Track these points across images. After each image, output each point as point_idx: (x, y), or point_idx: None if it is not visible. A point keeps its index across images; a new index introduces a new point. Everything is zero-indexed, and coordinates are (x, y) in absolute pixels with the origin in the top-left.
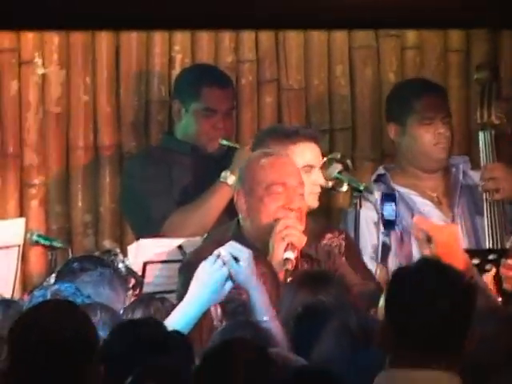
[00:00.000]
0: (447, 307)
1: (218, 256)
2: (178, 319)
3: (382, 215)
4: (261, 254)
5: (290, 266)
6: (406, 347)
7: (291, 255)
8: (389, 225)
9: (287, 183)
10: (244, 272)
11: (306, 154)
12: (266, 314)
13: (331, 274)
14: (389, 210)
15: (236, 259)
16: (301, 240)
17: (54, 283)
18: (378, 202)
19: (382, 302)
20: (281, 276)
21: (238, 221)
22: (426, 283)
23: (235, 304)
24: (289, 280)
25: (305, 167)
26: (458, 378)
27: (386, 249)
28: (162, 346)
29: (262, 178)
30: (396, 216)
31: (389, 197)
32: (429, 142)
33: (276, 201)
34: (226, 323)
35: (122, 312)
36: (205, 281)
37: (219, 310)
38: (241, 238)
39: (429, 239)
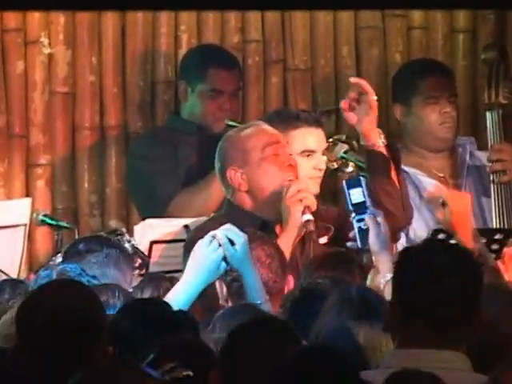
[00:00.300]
0: (456, 286)
1: (214, 237)
2: (174, 299)
3: (350, 201)
4: (267, 237)
5: (312, 227)
6: (415, 327)
7: (310, 217)
8: (359, 207)
9: (280, 142)
10: (239, 256)
11: (307, 138)
12: (259, 297)
13: (348, 255)
14: (355, 194)
15: (232, 242)
16: (314, 202)
17: (60, 263)
18: (344, 190)
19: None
20: (301, 238)
21: (229, 200)
22: (433, 262)
23: (239, 284)
24: (315, 240)
25: (305, 152)
26: (466, 357)
27: (364, 233)
28: (169, 325)
29: (254, 143)
30: (364, 198)
31: (353, 182)
32: (435, 121)
33: (274, 162)
34: (225, 308)
35: (131, 291)
36: (200, 261)
37: (225, 290)
38: (242, 212)
39: (444, 204)
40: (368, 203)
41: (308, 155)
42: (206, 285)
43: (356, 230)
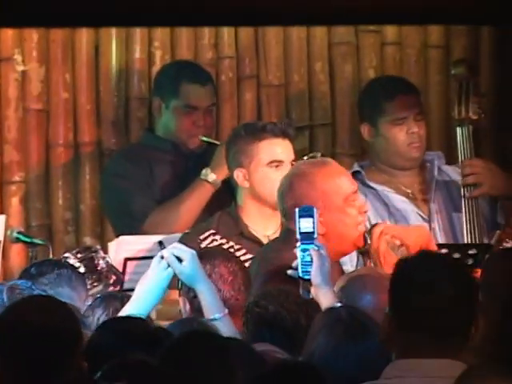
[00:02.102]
0: (450, 296)
1: (162, 257)
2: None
3: (299, 229)
4: (230, 253)
5: None
6: (412, 338)
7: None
8: (306, 237)
9: (356, 190)
10: (188, 272)
11: (273, 149)
12: (216, 311)
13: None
14: (305, 223)
15: (179, 259)
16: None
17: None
18: (295, 217)
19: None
20: None
21: (289, 230)
22: (427, 273)
23: None
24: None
25: (272, 163)
26: (464, 365)
27: (306, 263)
28: (149, 342)
29: (336, 189)
30: (314, 229)
31: (305, 211)
32: (402, 142)
33: (353, 208)
34: (171, 323)
35: (83, 311)
36: (149, 281)
37: (188, 306)
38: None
39: (400, 244)
40: (316, 235)
41: (276, 166)
42: (155, 304)
43: (299, 259)
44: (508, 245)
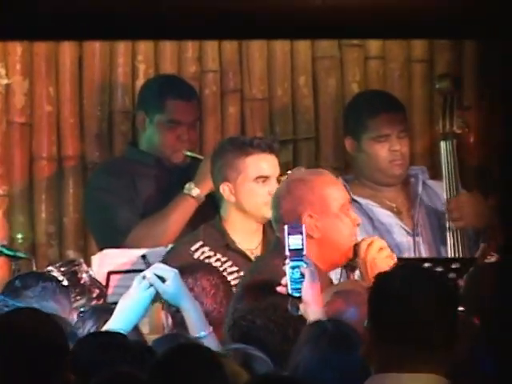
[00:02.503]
0: (429, 310)
1: (144, 277)
2: None
3: (288, 246)
4: (213, 267)
5: None
6: (391, 352)
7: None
8: (295, 254)
9: (350, 201)
10: (172, 291)
11: (260, 164)
12: (201, 329)
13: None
14: (294, 240)
15: (162, 279)
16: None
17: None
18: (285, 234)
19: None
20: None
21: (278, 237)
22: (405, 287)
23: None
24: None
25: (259, 178)
26: (446, 380)
27: (296, 280)
28: (132, 356)
29: (336, 196)
30: (303, 246)
31: (294, 228)
32: (384, 159)
33: (348, 217)
34: (158, 337)
35: (74, 323)
36: (131, 300)
37: (170, 320)
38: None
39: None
40: (305, 252)
41: (263, 181)
42: (135, 323)
43: (288, 275)
44: (492, 259)
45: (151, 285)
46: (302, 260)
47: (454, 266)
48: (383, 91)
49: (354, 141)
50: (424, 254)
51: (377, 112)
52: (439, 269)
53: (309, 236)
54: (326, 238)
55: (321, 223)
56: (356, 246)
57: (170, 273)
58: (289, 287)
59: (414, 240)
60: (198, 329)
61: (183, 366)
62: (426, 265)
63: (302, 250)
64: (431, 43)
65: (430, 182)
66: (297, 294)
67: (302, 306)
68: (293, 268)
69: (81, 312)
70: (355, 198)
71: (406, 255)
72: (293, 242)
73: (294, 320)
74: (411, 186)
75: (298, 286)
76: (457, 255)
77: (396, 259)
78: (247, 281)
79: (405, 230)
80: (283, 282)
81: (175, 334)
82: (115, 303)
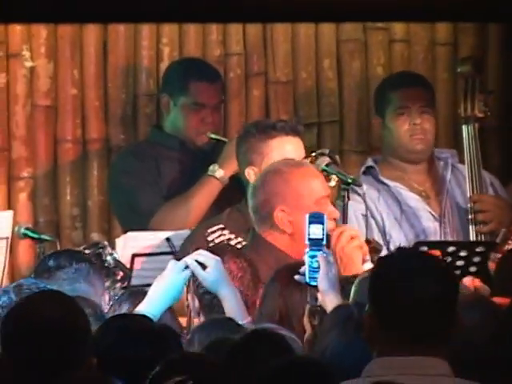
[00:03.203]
0: (431, 295)
1: (185, 264)
2: None
3: (308, 234)
4: (239, 250)
5: None
6: (393, 336)
7: (371, 265)
8: (315, 243)
9: (328, 195)
10: (213, 279)
11: (285, 147)
12: (240, 318)
13: None
14: (315, 229)
15: (203, 266)
16: (366, 248)
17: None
18: (306, 222)
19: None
20: None
21: (258, 235)
22: (407, 272)
23: (211, 296)
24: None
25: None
26: (446, 362)
27: (314, 269)
28: (153, 340)
29: (310, 191)
30: (323, 235)
31: (315, 218)
32: (404, 133)
33: (325, 212)
34: (204, 321)
35: (109, 306)
36: (165, 283)
37: (196, 303)
38: (276, 250)
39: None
40: (325, 241)
41: None
42: (170, 305)
43: (307, 264)
44: None
45: (186, 267)
46: (321, 250)
47: (478, 250)
48: (411, 71)
49: (380, 118)
50: (450, 239)
51: (400, 86)
52: (464, 253)
53: (282, 231)
54: (298, 233)
55: (293, 218)
56: (329, 235)
57: (211, 260)
58: (307, 276)
59: (441, 225)
60: (237, 318)
61: (258, 353)
62: (451, 249)
63: (321, 239)
64: (455, 26)
65: (460, 166)
66: (314, 283)
67: (319, 296)
68: (311, 257)
69: (117, 295)
70: (384, 180)
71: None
72: (313, 231)
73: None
74: (440, 170)
75: (315, 276)
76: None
77: (368, 249)
78: None
79: (432, 214)
80: (301, 270)
81: (222, 318)
82: (136, 286)
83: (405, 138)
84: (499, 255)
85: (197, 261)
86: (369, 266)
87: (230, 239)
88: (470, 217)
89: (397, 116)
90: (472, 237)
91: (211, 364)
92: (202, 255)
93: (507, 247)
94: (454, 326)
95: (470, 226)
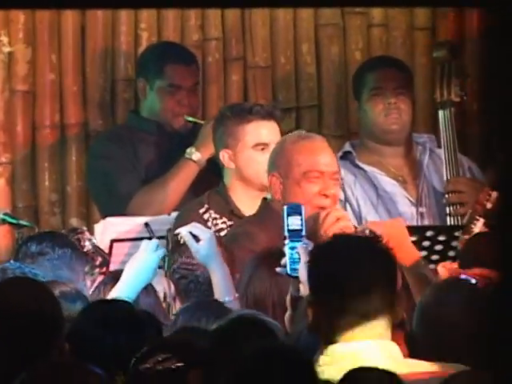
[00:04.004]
0: (368, 277)
1: (150, 238)
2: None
3: (287, 226)
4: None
5: None
6: (338, 323)
7: None
8: (294, 235)
9: (324, 171)
10: (205, 252)
11: (260, 131)
12: (226, 294)
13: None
14: (293, 221)
15: (197, 238)
16: (352, 230)
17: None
18: (284, 214)
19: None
20: None
21: (267, 202)
22: (343, 256)
23: (187, 281)
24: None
25: (258, 145)
26: (394, 344)
27: (294, 260)
28: (133, 325)
29: (300, 162)
30: (302, 226)
31: (293, 209)
32: (379, 113)
33: (313, 186)
34: (187, 304)
35: (93, 290)
36: (140, 263)
37: (172, 288)
38: (271, 219)
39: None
40: (304, 232)
41: (262, 148)
42: (144, 285)
43: (287, 256)
44: (478, 223)
45: (158, 246)
46: (300, 240)
47: (457, 234)
48: (388, 55)
49: (358, 101)
50: (427, 224)
51: (375, 68)
52: (442, 237)
53: (274, 196)
54: (286, 200)
55: (282, 186)
56: (316, 215)
57: (205, 233)
58: (288, 268)
59: (417, 210)
60: (224, 294)
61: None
62: (429, 233)
63: (301, 230)
64: (434, 11)
65: (438, 151)
66: (295, 274)
67: (301, 287)
68: (292, 249)
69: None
70: (360, 165)
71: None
72: (292, 222)
73: None
74: (417, 154)
75: (296, 267)
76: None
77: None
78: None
79: (409, 199)
80: (282, 262)
81: (207, 300)
82: (120, 271)
83: (379, 118)
84: (466, 236)
85: (191, 233)
86: None
87: (215, 219)
88: (446, 197)
89: (371, 97)
90: (448, 219)
91: (193, 345)
92: (197, 228)
93: (472, 228)
94: (399, 305)
95: (447, 208)
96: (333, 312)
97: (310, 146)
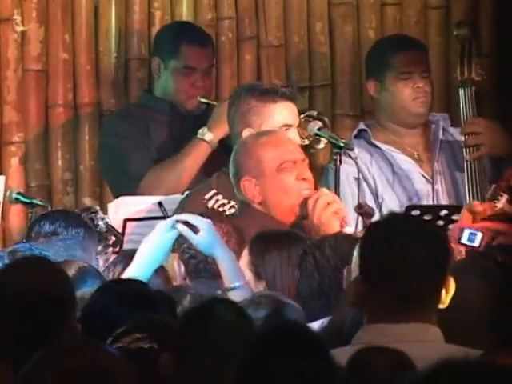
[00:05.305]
0: (419, 259)
1: (173, 225)
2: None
3: None
4: (224, 215)
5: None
6: (382, 301)
7: (351, 229)
8: None
9: (296, 159)
10: (206, 242)
11: (285, 113)
12: (237, 279)
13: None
14: None
15: (194, 229)
16: (345, 211)
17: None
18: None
19: (354, 260)
20: None
21: (244, 202)
22: (396, 236)
23: (197, 260)
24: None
25: (283, 126)
26: (436, 328)
27: None
28: (147, 304)
29: (270, 157)
30: None
31: None
32: (408, 96)
33: (289, 175)
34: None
35: (104, 269)
36: (154, 244)
37: (182, 268)
38: (263, 215)
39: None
40: None
41: (286, 129)
42: (158, 266)
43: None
44: (502, 199)
45: (173, 227)
46: None
47: (442, 214)
48: (406, 35)
49: (377, 82)
50: (443, 201)
51: (400, 49)
52: (456, 216)
53: (252, 201)
54: (268, 200)
55: (259, 187)
56: (304, 202)
57: (203, 223)
58: None
59: (433, 187)
60: (233, 279)
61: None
62: (443, 213)
63: None
64: None
65: (451, 130)
66: None
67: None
68: None
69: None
70: (376, 143)
71: (424, 202)
72: None
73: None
74: (432, 133)
75: None
76: (474, 198)
77: (361, 213)
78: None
79: (424, 177)
80: None
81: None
82: (132, 250)
83: (408, 101)
84: (489, 213)
85: (188, 224)
86: (349, 230)
87: (223, 204)
88: (463, 139)
89: (399, 80)
90: (465, 166)
91: (170, 327)
92: (192, 218)
93: (496, 204)
94: (446, 292)
95: (464, 151)
96: (378, 291)
97: (273, 140)
